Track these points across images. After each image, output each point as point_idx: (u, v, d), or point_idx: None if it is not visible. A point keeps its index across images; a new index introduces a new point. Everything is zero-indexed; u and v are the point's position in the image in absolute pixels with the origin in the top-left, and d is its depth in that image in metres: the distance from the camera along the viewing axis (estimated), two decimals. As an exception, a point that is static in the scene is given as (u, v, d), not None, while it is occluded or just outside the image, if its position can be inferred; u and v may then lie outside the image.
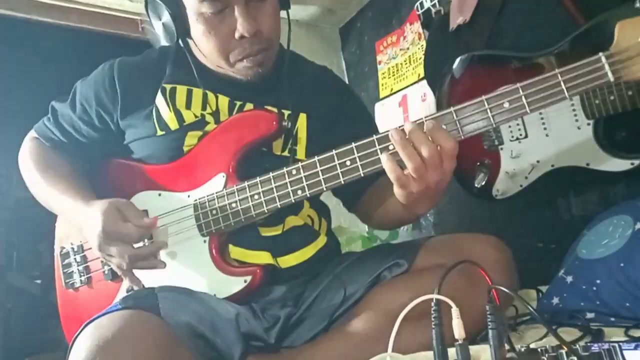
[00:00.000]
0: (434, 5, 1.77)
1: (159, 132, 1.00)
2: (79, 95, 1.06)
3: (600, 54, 0.72)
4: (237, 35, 0.92)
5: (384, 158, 0.79)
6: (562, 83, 0.73)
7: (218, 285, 0.92)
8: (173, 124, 1.00)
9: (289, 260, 0.97)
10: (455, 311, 0.58)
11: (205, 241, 0.95)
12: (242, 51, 0.95)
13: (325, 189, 0.88)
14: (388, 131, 0.81)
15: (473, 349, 0.64)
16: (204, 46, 0.97)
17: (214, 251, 0.94)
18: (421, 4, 1.84)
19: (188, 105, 1.01)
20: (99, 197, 0.98)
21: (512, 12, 1.49)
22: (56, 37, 1.97)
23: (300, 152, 1.04)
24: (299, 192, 0.89)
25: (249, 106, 1.02)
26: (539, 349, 0.56)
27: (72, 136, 1.07)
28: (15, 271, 1.97)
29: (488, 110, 0.78)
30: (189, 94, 1.02)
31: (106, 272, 1.02)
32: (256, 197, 0.92)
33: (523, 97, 0.75)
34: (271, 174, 0.91)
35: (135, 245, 0.91)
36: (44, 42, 1.97)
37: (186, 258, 0.96)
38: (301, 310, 0.94)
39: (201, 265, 0.94)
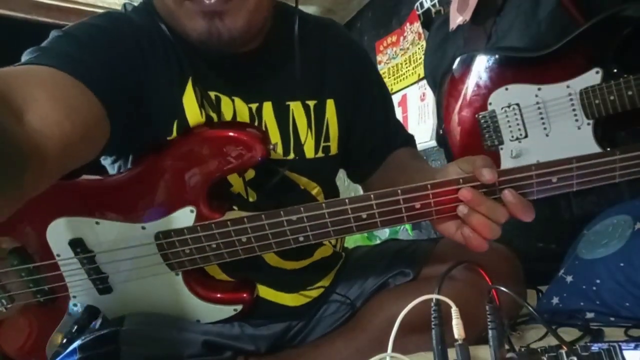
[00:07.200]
0: (434, 5, 1.77)
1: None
2: None
3: None
4: None
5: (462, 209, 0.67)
6: (617, 168, 0.68)
7: (204, 313, 0.82)
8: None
9: (297, 299, 0.89)
10: (455, 311, 0.58)
11: (177, 274, 0.78)
12: None
13: (332, 233, 0.71)
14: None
15: (473, 349, 0.64)
16: None
17: (192, 283, 0.80)
18: (421, 4, 1.84)
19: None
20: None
21: (512, 12, 1.49)
22: (56, 37, 1.97)
23: (333, 146, 0.88)
24: (301, 239, 0.72)
25: (267, 107, 0.82)
26: (539, 349, 0.56)
27: None
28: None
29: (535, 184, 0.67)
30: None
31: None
32: (244, 240, 0.72)
33: (575, 175, 0.67)
34: (263, 216, 0.71)
35: None
36: (43, 42, 1.97)
37: (158, 291, 0.80)
38: (301, 324, 0.90)
39: (179, 298, 0.80)
